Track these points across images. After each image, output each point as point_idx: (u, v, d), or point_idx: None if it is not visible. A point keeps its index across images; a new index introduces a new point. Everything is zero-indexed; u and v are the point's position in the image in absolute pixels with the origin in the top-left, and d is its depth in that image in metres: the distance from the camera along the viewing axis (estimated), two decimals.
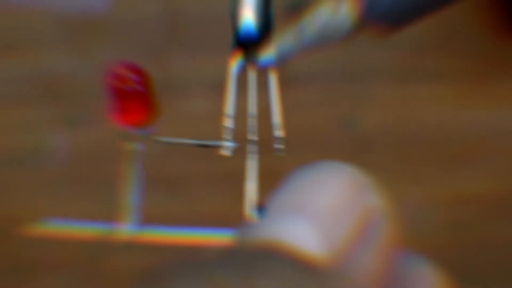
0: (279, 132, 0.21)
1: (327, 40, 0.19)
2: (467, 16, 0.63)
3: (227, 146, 0.21)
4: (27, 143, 0.63)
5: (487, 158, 0.63)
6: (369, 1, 0.19)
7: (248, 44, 0.20)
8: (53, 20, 0.67)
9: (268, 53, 0.20)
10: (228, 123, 0.21)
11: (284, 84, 0.20)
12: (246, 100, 0.20)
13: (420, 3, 0.19)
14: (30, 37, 0.67)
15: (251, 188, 0.20)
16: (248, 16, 0.20)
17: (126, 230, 0.20)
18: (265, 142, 0.21)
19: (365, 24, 0.19)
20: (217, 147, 0.21)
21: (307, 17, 0.20)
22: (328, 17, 0.19)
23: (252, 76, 0.21)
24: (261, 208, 0.20)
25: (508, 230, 0.61)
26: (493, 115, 0.65)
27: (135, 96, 0.20)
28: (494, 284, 0.60)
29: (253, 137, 0.21)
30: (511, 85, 0.66)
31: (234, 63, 0.21)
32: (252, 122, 0.20)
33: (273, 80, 0.21)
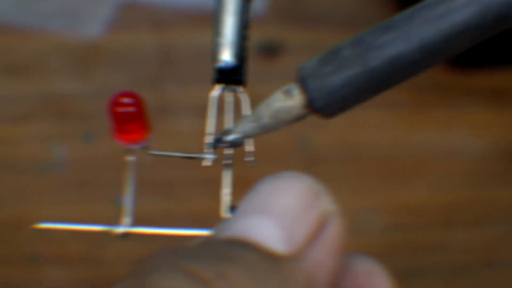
0: (249, 147, 0.21)
1: (281, 123, 0.20)
2: None
3: (208, 158, 0.21)
4: (38, 153, 0.62)
5: (424, 173, 0.63)
6: (314, 91, 0.19)
7: (225, 79, 0.21)
8: (61, 48, 0.66)
9: (232, 135, 0.20)
10: (209, 139, 0.21)
11: (253, 108, 0.21)
12: (224, 121, 0.21)
13: (368, 90, 0.19)
14: (39, 61, 0.66)
15: (226, 193, 0.21)
16: (226, 56, 0.21)
17: (122, 227, 0.21)
18: (238, 155, 0.22)
19: (314, 109, 0.19)
20: (200, 158, 0.21)
21: (262, 104, 0.20)
22: (280, 103, 0.19)
23: (229, 103, 0.21)
24: (233, 208, 0.20)
25: (441, 234, 0.61)
26: (429, 137, 0.65)
27: (133, 119, 0.20)
28: (430, 280, 0.59)
29: (228, 151, 0.21)
30: (445, 113, 0.66)
31: (214, 93, 0.21)
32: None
33: (246, 102, 0.21)
